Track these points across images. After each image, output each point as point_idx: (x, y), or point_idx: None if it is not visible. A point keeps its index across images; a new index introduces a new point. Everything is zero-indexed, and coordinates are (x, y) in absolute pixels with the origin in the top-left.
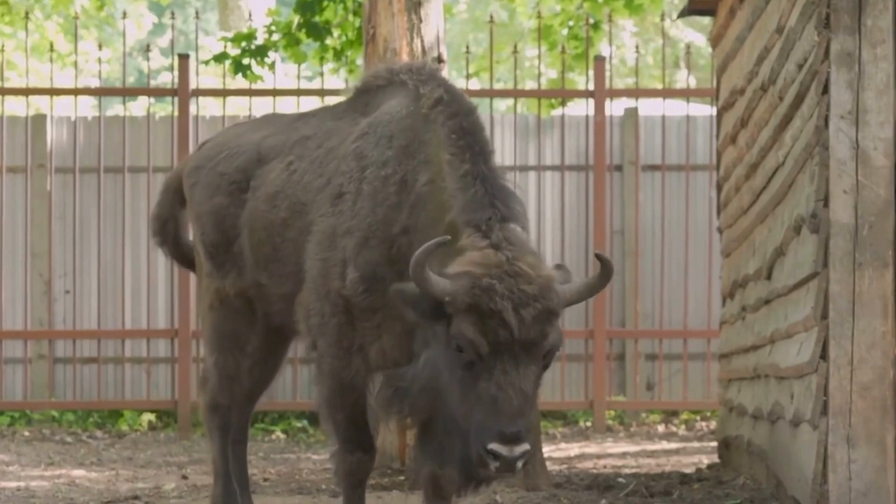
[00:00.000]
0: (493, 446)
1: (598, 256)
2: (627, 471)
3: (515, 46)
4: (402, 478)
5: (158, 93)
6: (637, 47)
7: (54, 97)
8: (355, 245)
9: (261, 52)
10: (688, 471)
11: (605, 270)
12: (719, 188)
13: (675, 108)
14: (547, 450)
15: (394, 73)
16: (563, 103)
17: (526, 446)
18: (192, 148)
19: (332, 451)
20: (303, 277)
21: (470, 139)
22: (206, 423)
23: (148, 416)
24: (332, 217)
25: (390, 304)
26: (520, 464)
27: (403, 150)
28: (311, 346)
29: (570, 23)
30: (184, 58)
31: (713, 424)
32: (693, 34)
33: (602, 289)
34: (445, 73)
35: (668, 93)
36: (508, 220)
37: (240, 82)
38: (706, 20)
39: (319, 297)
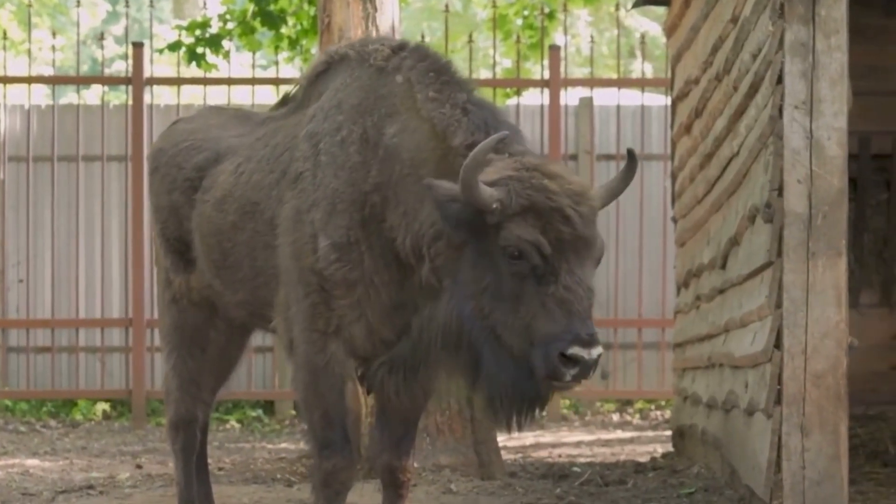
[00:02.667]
0: (573, 351)
1: (628, 151)
2: (582, 460)
3: (470, 36)
4: (358, 467)
5: (112, 81)
6: (592, 37)
7: (7, 85)
8: (323, 214)
9: (215, 41)
10: (642, 460)
11: (631, 164)
12: (674, 178)
13: (630, 98)
14: (501, 439)
15: (332, 53)
16: (518, 93)
17: (601, 349)
18: (146, 136)
19: (310, 459)
20: (259, 283)
21: (453, 75)
22: (169, 441)
23: (102, 406)
24: (294, 200)
25: (369, 275)
26: (594, 369)
27: (356, 108)
28: (289, 347)
29: (526, 12)
30: (138, 46)
31: (668, 413)
32: (648, 23)
33: (628, 183)
34: None
35: (622, 82)
36: (519, 142)
37: (194, 71)
38: (661, 10)
39: (292, 283)
